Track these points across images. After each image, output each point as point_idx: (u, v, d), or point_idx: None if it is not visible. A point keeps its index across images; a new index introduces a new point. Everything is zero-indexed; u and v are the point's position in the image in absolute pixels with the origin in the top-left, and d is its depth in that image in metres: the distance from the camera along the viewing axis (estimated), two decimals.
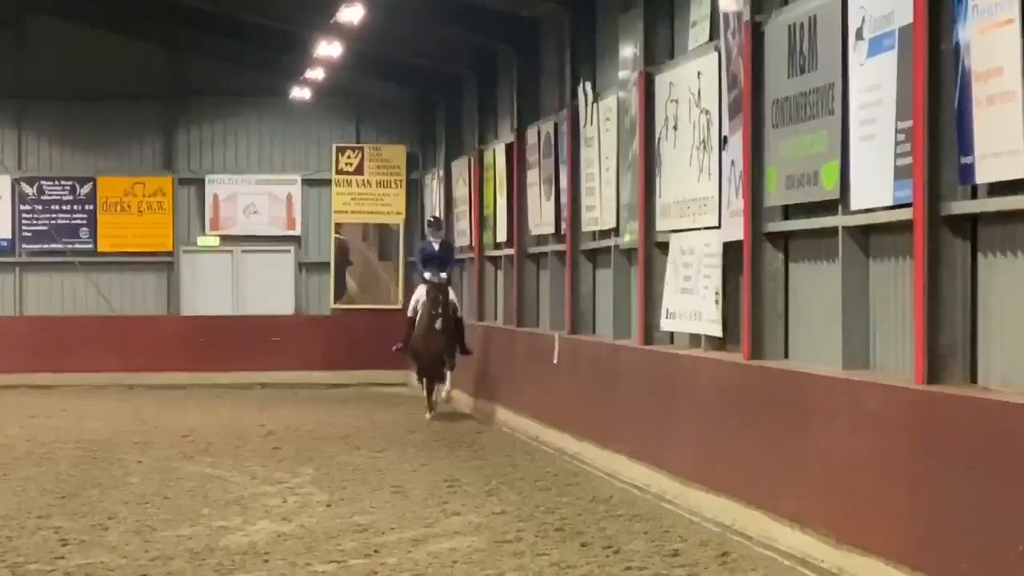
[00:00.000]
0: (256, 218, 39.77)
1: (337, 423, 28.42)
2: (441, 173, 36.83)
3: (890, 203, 13.71)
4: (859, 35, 14.29)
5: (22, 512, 17.33)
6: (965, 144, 12.33)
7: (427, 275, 28.02)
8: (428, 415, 28.17)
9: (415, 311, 28.01)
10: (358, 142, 40.04)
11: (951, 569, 11.52)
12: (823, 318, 15.56)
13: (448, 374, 28.11)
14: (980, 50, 12.00)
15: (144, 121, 39.31)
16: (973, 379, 12.66)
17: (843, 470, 13.68)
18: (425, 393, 28.72)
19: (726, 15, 17.86)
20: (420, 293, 28.26)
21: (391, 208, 40.06)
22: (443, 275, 27.94)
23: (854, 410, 13.66)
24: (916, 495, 12.25)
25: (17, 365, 37.74)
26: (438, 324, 27.02)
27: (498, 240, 30.88)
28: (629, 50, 21.83)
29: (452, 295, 28.40)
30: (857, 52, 14.34)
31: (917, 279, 12.91)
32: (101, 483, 19.95)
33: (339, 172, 39.84)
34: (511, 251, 29.27)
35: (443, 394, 28.25)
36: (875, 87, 13.97)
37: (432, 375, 28.42)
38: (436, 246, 28.79)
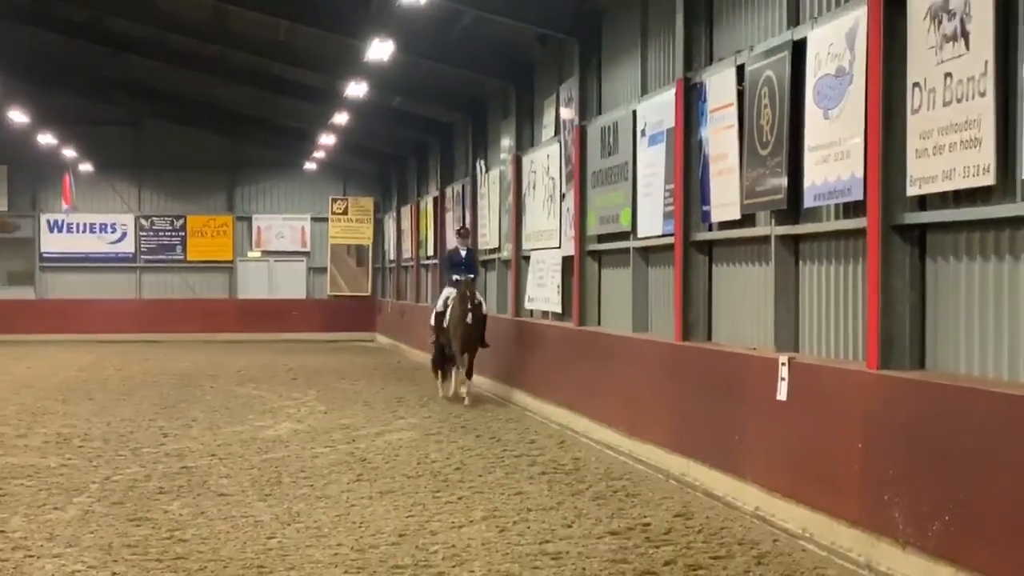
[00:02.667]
0: (283, 240, 39.61)
1: (330, 364, 28.18)
2: (395, 215, 36.68)
3: (660, 233, 13.75)
4: (643, 133, 14.33)
5: (139, 416, 17.11)
6: (705, 198, 12.37)
7: (456, 277, 19.26)
8: (442, 392, 19.95)
9: (445, 306, 19.52)
10: (344, 195, 39.85)
11: (696, 450, 11.56)
12: (621, 302, 15.58)
13: (468, 383, 19.07)
14: (715, 143, 12.06)
15: (215, 182, 39.02)
16: (709, 338, 12.70)
17: (631, 391, 13.70)
18: (440, 377, 20.13)
19: (564, 120, 17.88)
20: (449, 291, 19.58)
21: (364, 235, 39.94)
22: (471, 275, 19.26)
23: (639, 356, 13.69)
24: (674, 406, 12.28)
25: (137, 328, 37.74)
26: (468, 318, 18.58)
27: (428, 254, 30.72)
28: (507, 141, 21.80)
29: (478, 294, 19.42)
30: (642, 143, 14.38)
31: (676, 279, 12.94)
32: (187, 399, 19.71)
33: (333, 213, 39.66)
34: (436, 261, 29.12)
35: (465, 400, 18.82)
36: (652, 164, 14.01)
37: (460, 354, 19.09)
38: (463, 252, 19.98)
